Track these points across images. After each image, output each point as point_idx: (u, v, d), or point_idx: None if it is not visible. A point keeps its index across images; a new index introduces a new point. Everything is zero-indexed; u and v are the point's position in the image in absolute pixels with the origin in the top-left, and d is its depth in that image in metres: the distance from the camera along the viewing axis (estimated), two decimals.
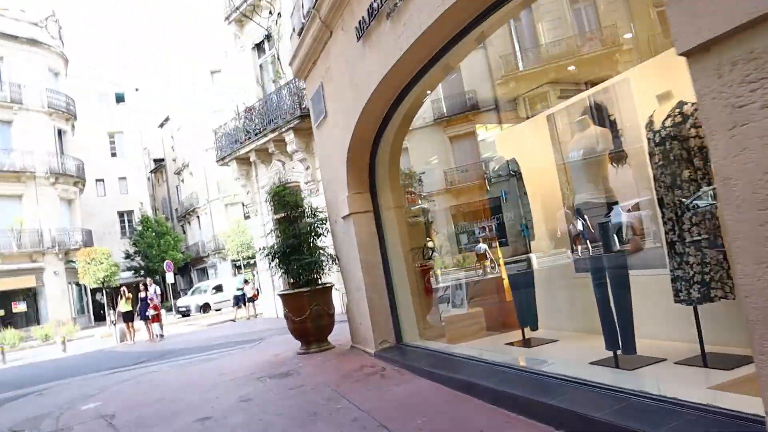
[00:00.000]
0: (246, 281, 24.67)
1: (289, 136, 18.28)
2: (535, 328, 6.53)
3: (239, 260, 28.70)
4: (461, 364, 6.06)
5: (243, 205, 24.62)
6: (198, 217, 48.40)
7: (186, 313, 33.22)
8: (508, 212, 6.59)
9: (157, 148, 58.98)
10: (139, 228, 42.30)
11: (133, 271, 41.61)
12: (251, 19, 20.66)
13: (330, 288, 8.98)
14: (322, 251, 9.05)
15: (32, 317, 32.14)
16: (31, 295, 32.70)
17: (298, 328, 8.74)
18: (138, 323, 20.14)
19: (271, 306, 21.26)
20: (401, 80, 6.44)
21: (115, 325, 20.71)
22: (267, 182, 20.78)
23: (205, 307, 33.73)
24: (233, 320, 23.58)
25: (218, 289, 35.13)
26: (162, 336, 19.47)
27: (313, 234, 8.99)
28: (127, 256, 40.93)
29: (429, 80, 6.53)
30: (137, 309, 19.84)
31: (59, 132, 35.69)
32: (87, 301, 37.86)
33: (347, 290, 8.59)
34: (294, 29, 8.83)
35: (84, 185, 38.11)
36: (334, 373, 7.14)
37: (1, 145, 32.14)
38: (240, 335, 16.74)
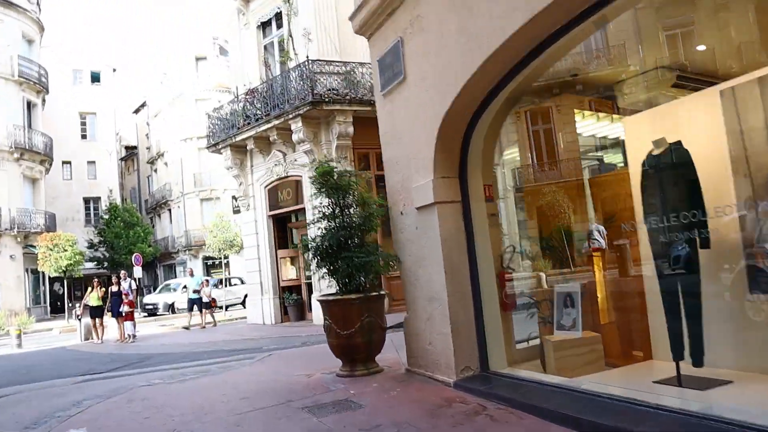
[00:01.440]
0: (205, 282, 21.65)
1: (297, 124, 16.46)
2: (699, 363, 4.91)
3: (219, 258, 26.46)
4: (611, 409, 4.39)
5: (234, 198, 22.62)
6: (170, 210, 45.91)
7: (153, 312, 30.88)
8: (664, 209, 5.00)
9: (130, 134, 56.33)
10: (106, 216, 39.65)
11: (95, 263, 38.96)
12: None
13: (384, 297, 7.21)
14: (379, 249, 7.29)
15: None
16: None
17: (344, 343, 6.93)
18: (107, 320, 18.01)
19: (257, 310, 19.29)
20: (543, 29, 4.77)
21: (80, 320, 18.47)
22: (263, 174, 18.95)
23: (173, 307, 31.43)
24: (186, 327, 19.93)
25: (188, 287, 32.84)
26: (134, 337, 17.38)
27: (366, 228, 7.21)
28: (91, 246, 38.27)
29: (576, 35, 4.90)
30: (107, 304, 17.73)
31: (28, 104, 33.17)
32: (44, 291, 35.16)
33: (410, 300, 6.85)
34: None
35: (51, 165, 35.55)
36: (412, 409, 5.39)
37: None
38: (229, 342, 14.80)
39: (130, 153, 55.32)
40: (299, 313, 18.52)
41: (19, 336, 17.79)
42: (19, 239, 30.91)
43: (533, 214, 9.24)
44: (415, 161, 6.46)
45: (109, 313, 17.65)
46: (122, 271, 18.66)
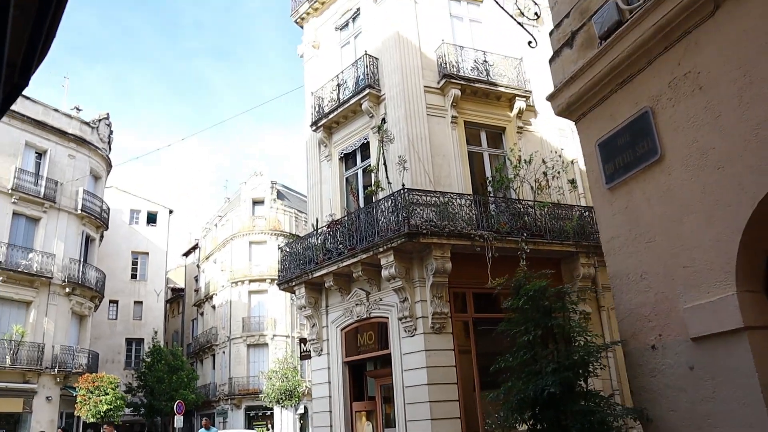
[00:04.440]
0: None
1: (387, 259, 14.73)
2: None
3: (270, 409, 23.74)
4: None
5: (301, 342, 20.51)
6: (213, 355, 43.69)
7: None
8: None
9: (178, 277, 55.61)
10: (149, 359, 37.51)
11: (131, 408, 36.27)
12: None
13: None
14: (604, 400, 5.09)
15: None
16: (12, 422, 27.49)
17: None
18: None
19: None
20: None
21: None
22: (340, 314, 17.03)
23: None
24: None
25: None
26: None
27: (588, 371, 5.07)
28: (129, 390, 35.83)
29: None
30: None
31: (87, 239, 32.50)
32: None
33: None
34: (598, 31, 5.56)
35: (100, 302, 34.22)
36: None
37: (22, 244, 28.74)
38: None
39: (177, 295, 54.20)
40: None
41: None
42: (58, 379, 28.83)
43: None
44: (687, 271, 4.49)
45: None
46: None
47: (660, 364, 4.71)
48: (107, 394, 25.75)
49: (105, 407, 25.52)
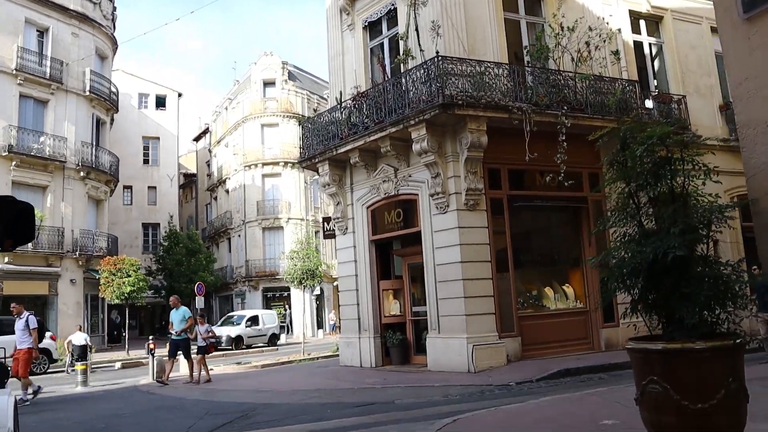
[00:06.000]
0: (200, 319, 16.21)
1: (419, 132, 13.92)
2: None
3: (298, 287, 23.64)
4: None
5: (325, 221, 20.09)
6: (229, 239, 43.92)
7: (214, 346, 28.33)
8: None
9: (190, 162, 55.11)
10: (166, 243, 37.68)
11: (153, 291, 36.89)
12: None
13: (744, 345, 4.30)
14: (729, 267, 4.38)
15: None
16: (39, 305, 27.88)
17: (695, 425, 4.05)
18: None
19: (352, 351, 16.53)
20: None
21: (153, 355, 15.97)
22: (366, 192, 16.43)
23: (238, 341, 28.93)
24: (161, 381, 14.85)
25: (254, 321, 30.40)
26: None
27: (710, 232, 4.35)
28: (149, 273, 36.26)
29: None
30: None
31: (97, 122, 31.62)
32: (102, 319, 33.06)
33: None
34: None
35: (116, 186, 33.89)
36: None
37: (32, 127, 27.92)
38: (341, 392, 12.01)
39: (189, 180, 53.91)
40: (403, 356, 15.71)
41: (84, 372, 15.33)
42: (80, 262, 28.99)
43: None
44: None
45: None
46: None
47: None
48: (129, 276, 25.85)
49: (128, 288, 25.71)
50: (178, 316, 15.26)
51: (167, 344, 15.87)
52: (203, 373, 15.07)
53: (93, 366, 21.16)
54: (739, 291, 4.20)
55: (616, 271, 4.45)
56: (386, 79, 15.85)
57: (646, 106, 16.30)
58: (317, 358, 20.88)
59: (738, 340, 4.13)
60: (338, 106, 16.64)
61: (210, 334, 15.64)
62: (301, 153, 18.18)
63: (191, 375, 15.14)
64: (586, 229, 15.74)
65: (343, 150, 16.07)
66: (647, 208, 4.55)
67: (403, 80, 14.53)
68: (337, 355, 18.09)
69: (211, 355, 25.79)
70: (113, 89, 33.14)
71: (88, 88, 30.13)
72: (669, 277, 4.18)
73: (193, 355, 15.36)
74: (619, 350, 14.62)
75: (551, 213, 16.33)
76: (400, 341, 15.70)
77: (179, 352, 15.30)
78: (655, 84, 18.19)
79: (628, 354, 4.67)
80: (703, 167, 4.32)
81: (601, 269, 4.80)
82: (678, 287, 4.14)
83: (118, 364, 22.44)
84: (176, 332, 15.01)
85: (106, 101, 31.78)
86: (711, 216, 4.26)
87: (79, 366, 15.67)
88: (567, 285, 15.96)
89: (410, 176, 15.22)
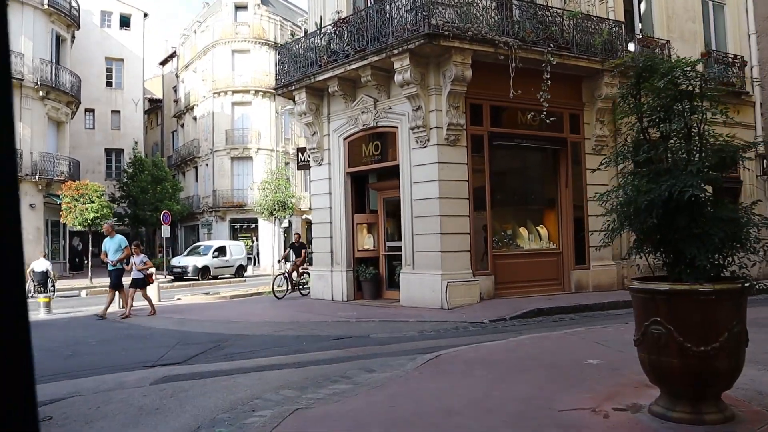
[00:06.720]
0: (135, 248, 14.34)
1: (403, 62, 13.43)
2: None
3: (269, 218, 23.20)
4: None
5: (299, 151, 19.61)
6: (196, 168, 42.91)
7: (180, 276, 28.08)
8: None
9: (155, 87, 53.24)
10: (130, 170, 36.61)
11: (116, 219, 36.06)
12: None
13: (750, 289, 4.16)
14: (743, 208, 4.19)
15: None
16: None
17: (695, 366, 3.92)
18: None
19: (324, 284, 16.42)
20: None
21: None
22: (344, 123, 15.97)
23: (204, 271, 28.63)
24: (100, 315, 13.69)
25: (221, 251, 30.03)
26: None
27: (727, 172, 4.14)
28: (113, 200, 35.34)
29: None
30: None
31: (57, 39, 29.97)
32: (63, 246, 32.30)
33: None
34: None
35: (77, 108, 32.48)
36: None
37: None
38: (315, 325, 11.85)
39: (155, 106, 52.19)
40: (376, 291, 15.67)
41: (48, 304, 14.90)
42: (40, 187, 27.96)
43: None
44: None
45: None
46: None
47: None
48: (93, 202, 25.01)
49: (92, 215, 24.91)
50: (113, 245, 14.06)
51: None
52: (147, 305, 14.22)
53: (58, 295, 20.73)
54: (752, 234, 4.03)
55: (625, 209, 4.22)
56: (369, 5, 15.17)
57: (629, 49, 15.95)
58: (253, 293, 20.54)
59: (746, 284, 3.99)
60: (318, 32, 15.95)
61: (146, 265, 14.31)
62: (276, 79, 17.50)
63: (127, 308, 13.89)
64: (563, 170, 15.64)
65: (321, 78, 15.50)
66: (661, 145, 4.30)
67: (388, 7, 13.91)
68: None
69: (177, 284, 25.75)
70: (74, 4, 31.34)
71: (46, 1, 28.38)
72: (682, 217, 3.97)
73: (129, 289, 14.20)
74: (588, 292, 14.82)
75: (530, 153, 16.13)
76: (373, 276, 15.62)
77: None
78: (640, 27, 17.80)
79: (630, 294, 4.53)
80: (722, 107, 4.07)
81: (607, 207, 4.54)
82: (689, 227, 3.94)
83: (84, 292, 21.99)
84: (111, 262, 13.91)
85: (66, 16, 30.07)
86: (734, 154, 4.03)
87: (41, 298, 15.10)
88: (541, 226, 15.93)
89: (390, 108, 14.79)
